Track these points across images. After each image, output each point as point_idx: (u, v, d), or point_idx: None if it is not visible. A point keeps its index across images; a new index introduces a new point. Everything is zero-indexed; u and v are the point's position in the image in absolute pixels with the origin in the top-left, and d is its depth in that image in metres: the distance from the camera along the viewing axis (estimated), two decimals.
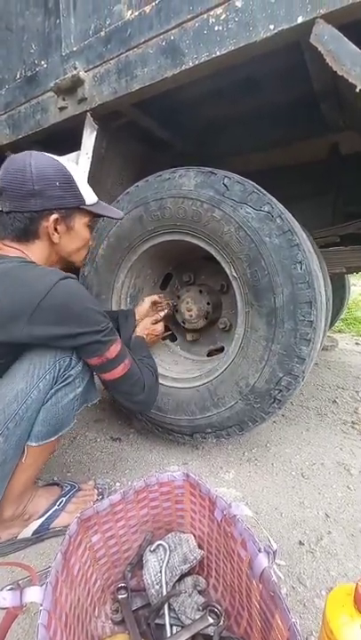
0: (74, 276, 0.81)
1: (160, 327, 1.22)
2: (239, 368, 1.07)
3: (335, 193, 1.70)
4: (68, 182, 0.84)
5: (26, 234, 0.83)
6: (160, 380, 1.15)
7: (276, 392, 1.03)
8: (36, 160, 0.81)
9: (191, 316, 1.28)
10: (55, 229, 0.85)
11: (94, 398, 0.92)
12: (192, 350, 1.43)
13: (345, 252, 2.17)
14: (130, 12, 1.04)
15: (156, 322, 1.21)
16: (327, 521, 0.95)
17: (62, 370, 0.80)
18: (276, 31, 0.80)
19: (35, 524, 0.87)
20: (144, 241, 1.20)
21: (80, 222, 0.90)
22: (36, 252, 0.85)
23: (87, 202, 0.88)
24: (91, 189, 0.92)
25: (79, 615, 0.60)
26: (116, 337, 0.84)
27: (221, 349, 1.34)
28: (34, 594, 0.49)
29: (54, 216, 0.83)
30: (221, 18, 0.87)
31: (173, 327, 1.44)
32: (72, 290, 0.76)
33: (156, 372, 1.02)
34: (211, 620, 0.62)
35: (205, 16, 0.89)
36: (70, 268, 0.98)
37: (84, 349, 0.80)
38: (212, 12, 0.88)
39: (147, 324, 1.18)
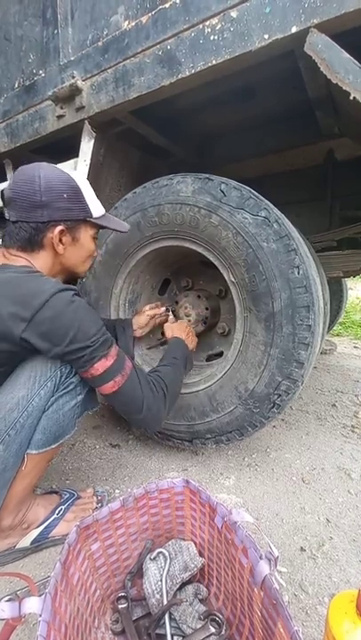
0: (73, 287, 0.80)
1: (185, 322, 1.22)
2: (238, 373, 1.07)
3: (331, 198, 1.72)
4: (76, 195, 0.85)
5: (31, 244, 0.83)
6: None
7: (276, 396, 1.03)
8: (45, 172, 0.82)
9: (190, 320, 1.29)
10: (60, 241, 0.85)
11: (95, 406, 0.91)
12: None
13: (342, 256, 2.18)
14: (127, 22, 1.06)
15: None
16: (328, 526, 0.94)
17: (64, 377, 0.80)
18: (270, 40, 0.82)
19: (33, 533, 0.86)
20: (142, 247, 1.21)
21: (86, 234, 0.90)
22: (40, 261, 0.85)
23: (94, 214, 0.89)
24: (99, 202, 0.93)
25: (79, 626, 0.59)
26: (106, 352, 0.78)
27: (220, 354, 1.34)
28: (33, 604, 0.48)
29: (60, 228, 0.83)
30: (217, 28, 0.89)
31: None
32: (65, 304, 0.75)
33: (167, 388, 0.92)
34: (212, 630, 0.62)
35: (201, 26, 0.91)
36: (74, 277, 0.99)
37: (71, 363, 0.79)
38: (207, 22, 0.90)
39: (172, 327, 1.16)
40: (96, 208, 0.90)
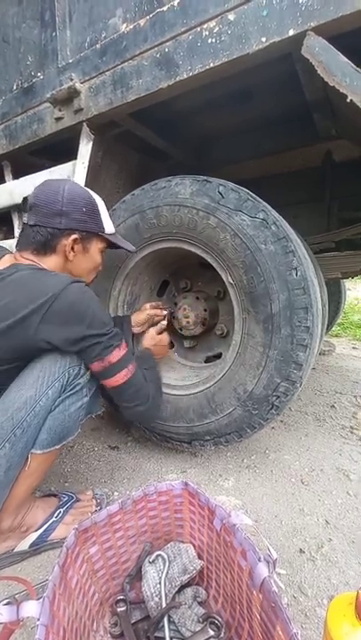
0: (83, 280, 0.86)
1: (166, 337, 1.22)
2: (237, 374, 1.07)
3: (329, 199, 1.72)
4: (93, 210, 0.93)
5: (45, 247, 0.89)
6: None
7: (274, 398, 1.03)
8: (70, 187, 0.91)
9: (188, 322, 1.28)
10: (72, 248, 0.91)
11: (98, 409, 0.94)
12: (189, 357, 1.43)
13: (340, 258, 2.19)
14: (125, 25, 1.06)
15: (161, 331, 1.21)
16: (327, 528, 0.94)
17: (71, 378, 0.81)
18: (268, 43, 0.82)
19: (32, 537, 0.86)
20: (140, 248, 1.21)
21: (96, 247, 0.97)
22: (49, 264, 0.90)
23: (106, 231, 0.97)
24: (111, 222, 1.00)
25: (77, 629, 0.59)
26: (120, 342, 0.84)
27: (219, 356, 1.34)
28: (31, 608, 0.48)
29: (74, 236, 0.90)
30: (215, 31, 0.89)
31: (171, 334, 1.44)
32: (81, 293, 0.80)
33: (159, 384, 1.02)
34: (211, 633, 0.61)
35: (199, 29, 0.91)
36: None
37: (86, 352, 0.81)
38: (205, 25, 0.90)
39: (153, 335, 1.18)
40: (108, 225, 0.98)
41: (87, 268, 0.98)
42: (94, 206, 0.93)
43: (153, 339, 1.18)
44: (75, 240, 0.90)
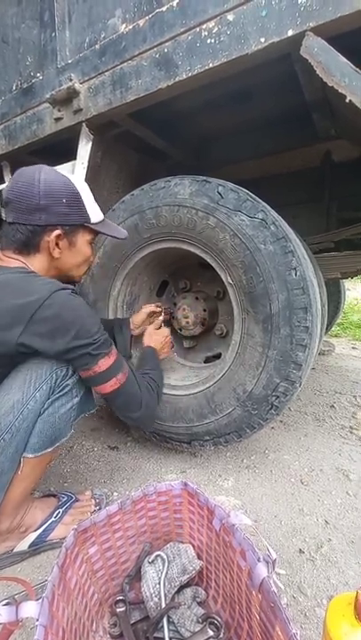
0: (71, 287, 0.80)
1: (165, 330, 1.21)
2: (236, 374, 1.07)
3: (329, 199, 1.73)
4: (75, 200, 0.85)
5: (27, 246, 0.83)
6: None
7: (274, 398, 1.03)
8: (46, 175, 0.82)
9: (188, 322, 1.29)
10: (57, 245, 0.85)
11: (92, 408, 0.91)
12: (189, 357, 1.43)
13: (340, 258, 2.19)
14: (124, 25, 1.06)
15: (158, 328, 1.21)
16: (327, 528, 0.94)
17: (59, 380, 0.79)
18: (267, 44, 0.82)
19: (31, 537, 0.86)
20: (140, 249, 1.21)
21: (82, 239, 0.90)
22: (35, 264, 0.85)
23: (92, 220, 0.89)
24: (97, 207, 0.93)
25: (76, 630, 0.59)
26: (108, 350, 0.81)
27: (218, 356, 1.34)
28: (30, 609, 0.48)
29: (57, 232, 0.83)
30: (214, 31, 0.89)
31: (170, 334, 1.44)
32: (65, 302, 0.75)
33: (158, 388, 0.98)
34: (211, 633, 0.61)
35: (198, 29, 0.91)
36: (70, 281, 0.99)
37: (73, 362, 0.79)
38: (204, 26, 0.90)
39: (151, 332, 1.18)
40: (94, 213, 0.90)
41: (76, 262, 0.92)
42: (76, 195, 0.85)
43: (151, 335, 1.17)
44: (58, 236, 0.83)
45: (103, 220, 0.95)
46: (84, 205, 0.86)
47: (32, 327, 0.72)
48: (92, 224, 0.90)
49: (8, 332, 0.72)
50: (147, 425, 0.97)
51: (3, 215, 0.84)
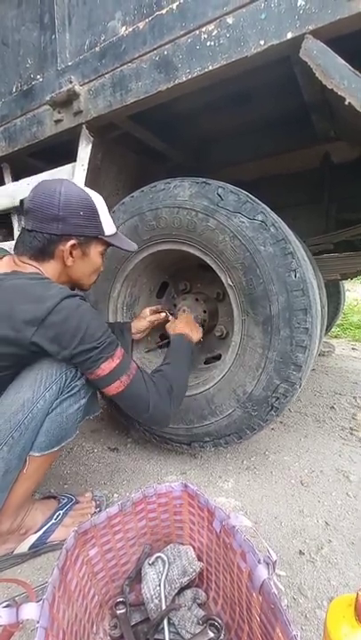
0: (80, 293, 0.84)
1: (189, 316, 1.23)
2: (236, 376, 1.07)
3: (328, 201, 1.73)
4: (92, 214, 0.89)
5: (42, 253, 0.87)
6: None
7: (274, 399, 1.03)
8: (66, 188, 0.86)
9: None
10: (71, 254, 0.88)
11: (96, 410, 0.93)
12: None
13: (339, 259, 2.19)
14: (124, 27, 1.07)
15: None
16: (327, 529, 0.94)
17: (69, 380, 0.81)
18: (266, 46, 0.82)
19: (31, 539, 0.86)
20: (140, 250, 1.21)
21: (95, 250, 0.94)
22: (49, 270, 0.88)
23: (106, 232, 0.93)
24: (112, 221, 0.97)
25: (77, 632, 0.59)
26: (112, 353, 0.81)
27: (218, 357, 1.34)
28: (30, 611, 0.48)
29: (72, 242, 0.87)
30: (213, 34, 0.89)
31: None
32: (73, 308, 0.77)
33: (172, 386, 0.93)
34: (211, 635, 0.61)
35: (198, 32, 0.92)
36: (79, 289, 1.01)
37: (78, 365, 0.81)
38: (204, 29, 0.91)
39: (174, 321, 1.19)
40: (108, 226, 0.95)
41: (87, 271, 0.96)
42: (93, 208, 0.90)
43: (186, 324, 1.16)
44: (73, 246, 0.88)
45: (116, 232, 0.99)
46: (99, 219, 0.91)
47: (43, 330, 0.74)
48: (106, 236, 0.94)
49: (22, 333, 0.74)
50: (161, 424, 0.99)
51: (22, 223, 0.89)
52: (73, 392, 0.82)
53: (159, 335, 1.41)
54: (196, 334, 1.16)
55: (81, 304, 0.80)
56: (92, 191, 0.93)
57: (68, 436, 0.85)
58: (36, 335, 0.74)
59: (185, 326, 1.15)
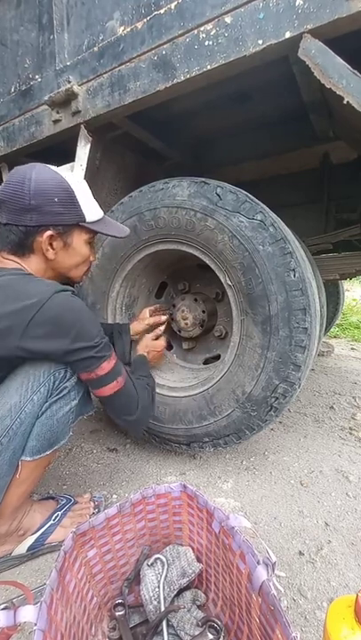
0: (70, 288, 0.79)
1: (162, 343, 1.21)
2: (235, 376, 1.07)
3: (327, 201, 1.73)
4: (68, 198, 0.82)
5: (21, 247, 0.81)
6: (157, 390, 1.15)
7: (273, 399, 1.03)
8: (38, 174, 0.79)
9: (187, 324, 1.29)
10: (50, 246, 0.83)
11: (90, 410, 0.91)
12: (188, 358, 1.43)
13: (338, 259, 2.19)
14: (122, 27, 1.07)
15: (157, 337, 1.21)
16: (327, 530, 0.94)
17: (57, 382, 0.78)
18: (264, 46, 0.82)
19: (29, 540, 0.86)
20: (139, 250, 1.21)
21: (79, 239, 0.87)
22: (32, 265, 0.84)
23: (88, 218, 0.86)
24: (96, 205, 0.90)
25: (75, 634, 0.58)
26: (109, 353, 0.81)
27: (217, 357, 1.33)
28: (28, 613, 0.47)
29: (49, 232, 0.80)
30: (211, 33, 0.89)
31: (169, 336, 1.44)
32: (66, 304, 0.74)
33: (153, 393, 1.00)
34: (210, 636, 0.61)
35: (196, 31, 0.91)
36: (69, 282, 0.98)
37: (73, 365, 0.78)
38: (202, 28, 0.90)
39: (147, 342, 1.18)
40: (91, 212, 0.87)
41: (74, 263, 0.89)
42: (69, 193, 0.81)
43: (147, 346, 1.17)
44: (50, 237, 0.81)
45: (102, 218, 0.91)
46: (78, 204, 0.83)
47: (31, 330, 0.71)
48: (88, 223, 0.86)
49: (7, 337, 0.71)
50: (140, 427, 0.99)
51: None
52: (63, 394, 0.79)
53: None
54: (154, 364, 1.20)
55: (73, 299, 0.77)
56: (71, 173, 0.85)
57: (61, 438, 0.82)
58: (24, 337, 0.70)
59: (150, 353, 1.17)
